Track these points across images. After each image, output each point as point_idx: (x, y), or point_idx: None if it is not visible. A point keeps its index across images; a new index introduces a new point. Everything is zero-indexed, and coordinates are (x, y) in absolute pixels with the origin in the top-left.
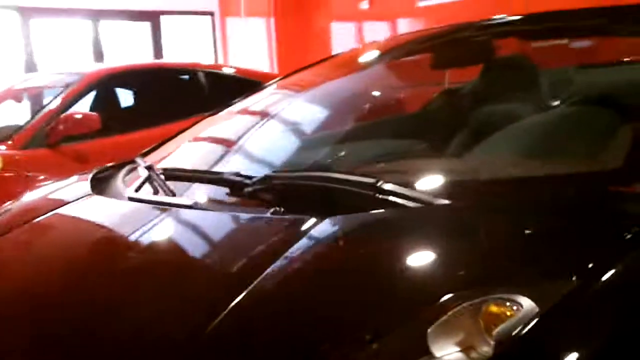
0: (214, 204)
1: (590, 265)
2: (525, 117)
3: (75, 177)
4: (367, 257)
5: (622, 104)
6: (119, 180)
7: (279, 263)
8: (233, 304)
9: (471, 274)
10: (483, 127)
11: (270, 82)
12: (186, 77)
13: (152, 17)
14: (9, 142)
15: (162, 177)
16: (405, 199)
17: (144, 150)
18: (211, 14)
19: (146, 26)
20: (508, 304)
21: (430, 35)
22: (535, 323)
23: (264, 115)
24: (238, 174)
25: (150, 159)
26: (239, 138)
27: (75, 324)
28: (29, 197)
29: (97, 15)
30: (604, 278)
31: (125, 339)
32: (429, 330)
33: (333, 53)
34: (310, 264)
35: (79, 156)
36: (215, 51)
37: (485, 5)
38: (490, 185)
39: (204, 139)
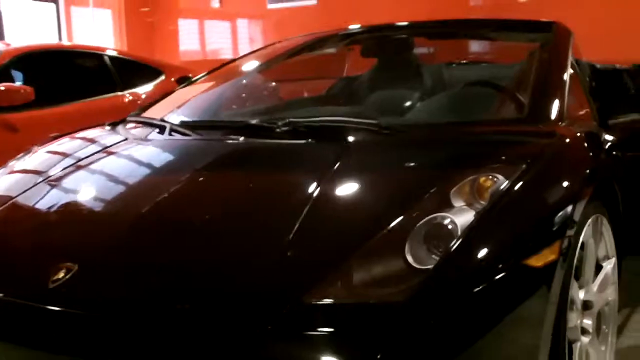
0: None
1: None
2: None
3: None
4: (388, 164)
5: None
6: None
7: (329, 175)
8: (306, 209)
9: (462, 164)
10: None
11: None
12: (91, 58)
13: None
14: None
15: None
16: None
17: (136, 110)
18: (55, 1)
19: None
20: (490, 177)
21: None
22: (506, 188)
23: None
24: (260, 121)
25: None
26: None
27: (179, 237)
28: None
29: None
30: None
31: (224, 249)
32: (450, 192)
33: (180, 50)
34: (351, 174)
35: (7, 124)
36: (60, 39)
37: (334, 12)
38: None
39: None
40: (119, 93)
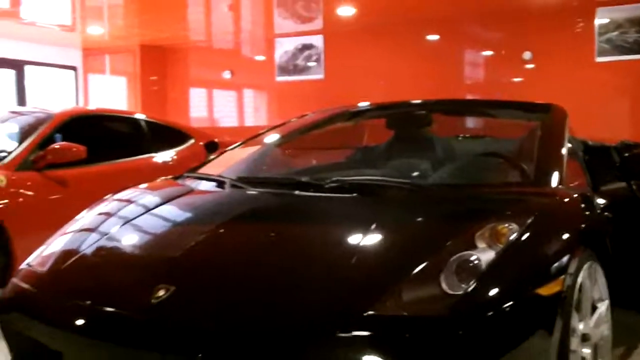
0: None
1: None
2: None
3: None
4: (422, 214)
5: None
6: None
7: (376, 221)
8: (360, 246)
9: (483, 215)
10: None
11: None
12: (129, 122)
13: (17, 65)
14: (1, 165)
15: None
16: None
17: (192, 167)
18: (74, 68)
19: (11, 74)
20: (506, 225)
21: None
22: (519, 234)
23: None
24: (310, 179)
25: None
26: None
27: (258, 266)
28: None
29: None
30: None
31: (300, 275)
32: (475, 236)
33: (191, 115)
34: (393, 220)
35: (60, 179)
36: (77, 103)
37: (338, 87)
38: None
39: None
40: (154, 154)
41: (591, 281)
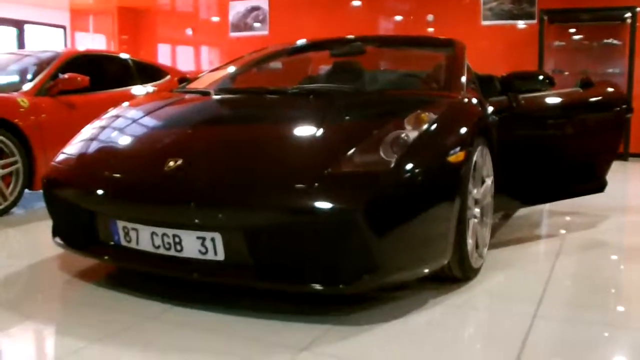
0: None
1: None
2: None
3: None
4: (366, 107)
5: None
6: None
7: (331, 109)
8: (321, 127)
9: (410, 106)
10: None
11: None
12: (119, 60)
13: (19, 24)
14: (23, 92)
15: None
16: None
17: (182, 85)
18: (64, 27)
19: (13, 32)
20: (426, 113)
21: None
22: (436, 119)
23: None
24: (276, 88)
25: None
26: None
27: (248, 139)
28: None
29: None
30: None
31: (276, 144)
32: (404, 120)
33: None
34: (344, 110)
35: (69, 103)
36: None
37: (281, 40)
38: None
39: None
40: (140, 86)
41: (482, 160)
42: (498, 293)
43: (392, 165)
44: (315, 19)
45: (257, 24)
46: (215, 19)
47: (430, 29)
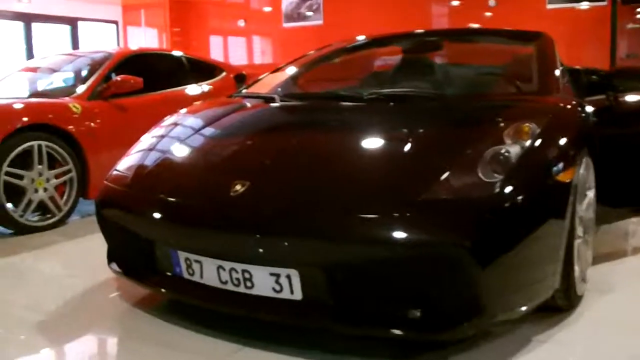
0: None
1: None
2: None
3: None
4: (457, 118)
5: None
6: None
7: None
8: (409, 141)
9: (508, 116)
10: None
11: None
12: (172, 59)
13: (72, 21)
14: (75, 96)
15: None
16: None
17: (241, 88)
18: (115, 22)
19: (66, 29)
20: (527, 124)
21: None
22: (539, 131)
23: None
24: (349, 93)
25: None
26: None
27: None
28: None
29: (28, 18)
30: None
31: (358, 163)
32: (503, 133)
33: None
34: (432, 122)
35: (121, 107)
36: None
37: (336, 30)
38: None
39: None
40: (194, 85)
41: (586, 172)
42: (607, 324)
43: (497, 190)
44: (368, 6)
45: (310, 14)
46: (268, 9)
47: (488, 14)
